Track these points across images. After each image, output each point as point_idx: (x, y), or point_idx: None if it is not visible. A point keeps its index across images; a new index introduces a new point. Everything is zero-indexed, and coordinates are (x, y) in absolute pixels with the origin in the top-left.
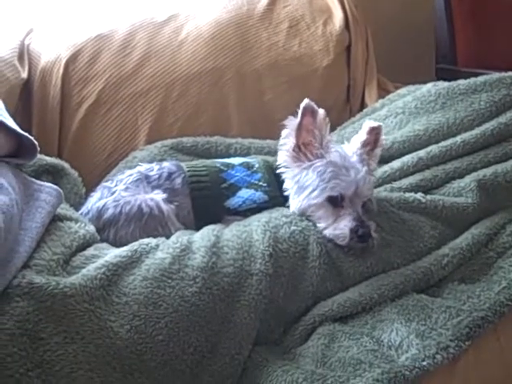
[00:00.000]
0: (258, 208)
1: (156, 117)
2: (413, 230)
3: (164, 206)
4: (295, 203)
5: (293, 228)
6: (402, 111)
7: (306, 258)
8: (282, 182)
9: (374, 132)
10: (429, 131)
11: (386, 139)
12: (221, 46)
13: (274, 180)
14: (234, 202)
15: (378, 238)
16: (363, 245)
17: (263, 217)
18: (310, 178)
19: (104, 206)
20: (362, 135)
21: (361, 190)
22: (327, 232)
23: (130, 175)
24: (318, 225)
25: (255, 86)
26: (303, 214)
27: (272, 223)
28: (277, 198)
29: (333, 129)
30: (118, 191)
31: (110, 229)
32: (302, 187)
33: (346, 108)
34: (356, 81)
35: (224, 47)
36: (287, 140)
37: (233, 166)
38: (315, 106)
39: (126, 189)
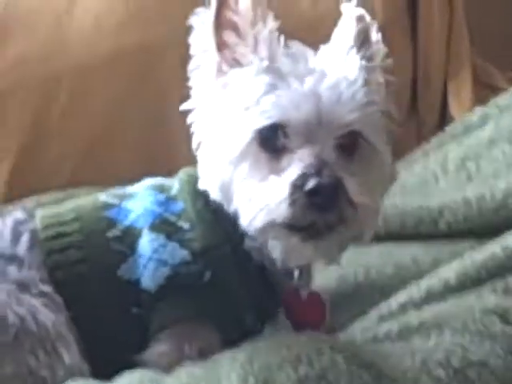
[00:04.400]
0: (179, 279)
1: (25, 145)
2: None
3: (45, 315)
4: (209, 168)
5: (305, 370)
6: None
7: None
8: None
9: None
10: None
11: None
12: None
13: (209, 210)
14: (130, 266)
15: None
16: (320, 214)
17: (242, 350)
18: (230, 102)
19: None
20: (345, 25)
21: (328, 110)
22: (255, 203)
23: None
24: (244, 199)
25: None
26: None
27: (259, 361)
28: (214, 250)
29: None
30: None
31: None
32: (223, 129)
33: (410, 122)
34: (429, 69)
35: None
36: (200, 52)
37: (132, 195)
38: None
39: None
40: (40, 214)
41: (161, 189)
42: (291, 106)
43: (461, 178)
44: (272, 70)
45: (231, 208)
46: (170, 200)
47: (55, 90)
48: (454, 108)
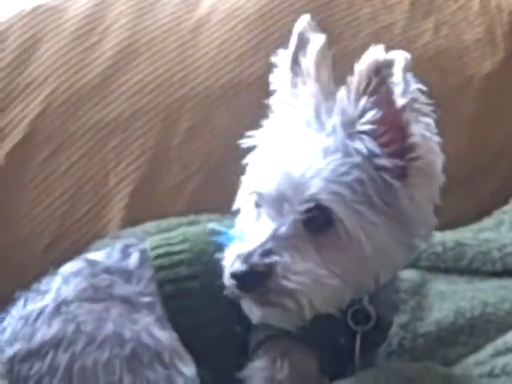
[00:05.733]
0: None
1: (146, 170)
2: None
3: (159, 331)
4: None
5: None
6: None
7: None
8: None
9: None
10: None
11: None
12: (273, 35)
13: None
14: None
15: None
16: (247, 295)
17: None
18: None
19: (39, 315)
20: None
21: (294, 185)
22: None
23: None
24: None
25: None
26: None
27: None
28: None
29: (503, 201)
30: (56, 297)
31: (55, 352)
32: None
33: None
34: None
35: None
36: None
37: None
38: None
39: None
40: (149, 239)
41: None
42: (262, 179)
43: None
44: (279, 135)
45: None
46: None
47: (177, 116)
48: None
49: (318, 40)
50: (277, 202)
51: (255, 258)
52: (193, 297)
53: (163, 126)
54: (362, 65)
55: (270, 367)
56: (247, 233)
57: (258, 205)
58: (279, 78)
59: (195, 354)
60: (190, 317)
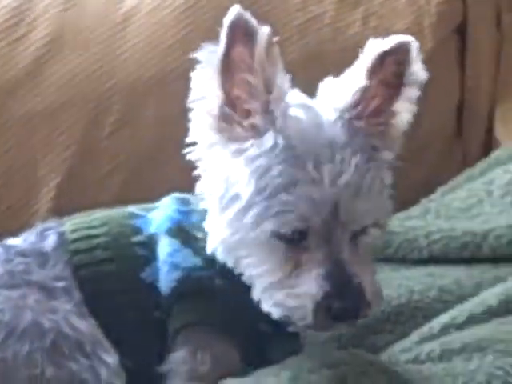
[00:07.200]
0: (190, 283)
1: (74, 161)
2: None
3: (78, 320)
4: (216, 230)
5: None
6: None
7: None
8: None
9: (394, 56)
10: None
11: None
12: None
13: None
14: (153, 270)
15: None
16: (341, 325)
17: (286, 368)
18: (240, 178)
19: None
20: (361, 64)
21: (346, 211)
22: (276, 301)
23: None
24: (259, 284)
25: None
26: (232, 256)
27: (304, 381)
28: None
29: (430, 190)
30: None
31: None
32: (230, 197)
33: (455, 147)
34: (477, 93)
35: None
36: (205, 95)
37: (157, 207)
38: (252, 22)
39: None
40: (69, 221)
41: (185, 201)
42: (311, 210)
43: (505, 203)
44: (288, 152)
45: (243, 277)
46: (190, 212)
47: (105, 107)
48: (500, 133)
49: (264, 31)
50: (329, 228)
51: (354, 282)
52: (109, 281)
53: (91, 118)
54: (365, 59)
55: (191, 360)
56: (280, 267)
57: (292, 235)
58: (205, 74)
59: (114, 339)
60: (106, 301)
